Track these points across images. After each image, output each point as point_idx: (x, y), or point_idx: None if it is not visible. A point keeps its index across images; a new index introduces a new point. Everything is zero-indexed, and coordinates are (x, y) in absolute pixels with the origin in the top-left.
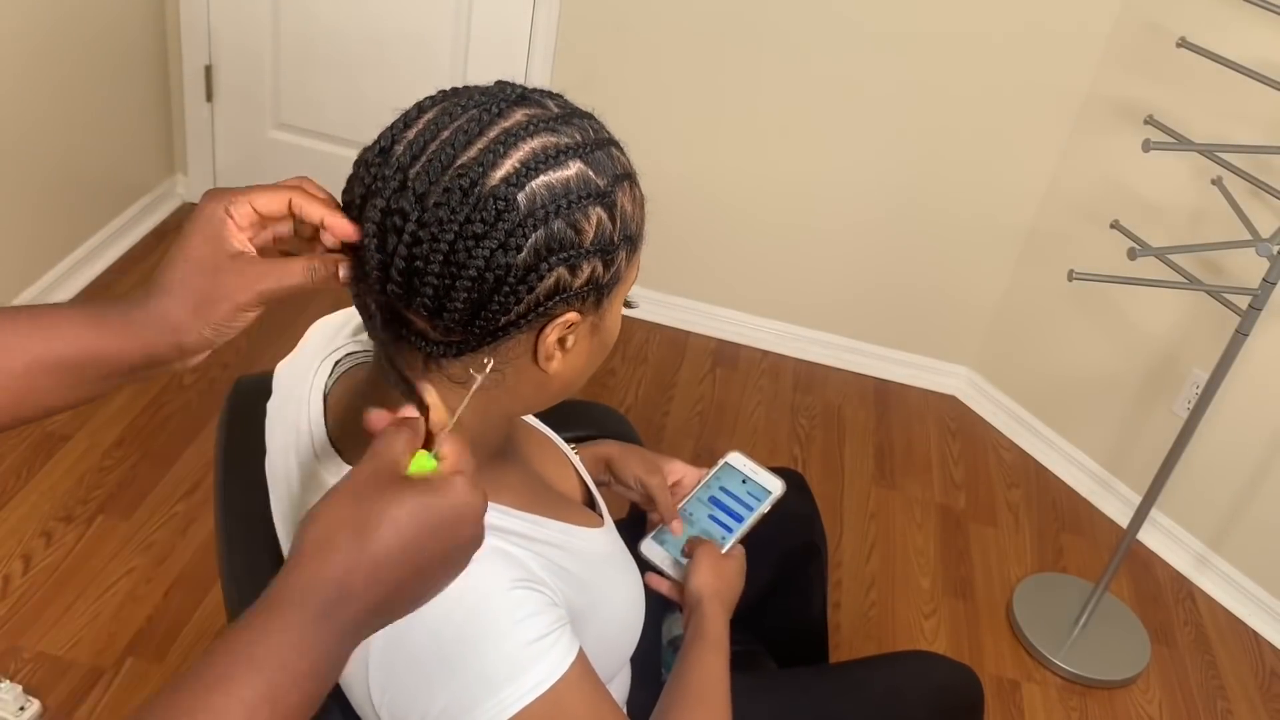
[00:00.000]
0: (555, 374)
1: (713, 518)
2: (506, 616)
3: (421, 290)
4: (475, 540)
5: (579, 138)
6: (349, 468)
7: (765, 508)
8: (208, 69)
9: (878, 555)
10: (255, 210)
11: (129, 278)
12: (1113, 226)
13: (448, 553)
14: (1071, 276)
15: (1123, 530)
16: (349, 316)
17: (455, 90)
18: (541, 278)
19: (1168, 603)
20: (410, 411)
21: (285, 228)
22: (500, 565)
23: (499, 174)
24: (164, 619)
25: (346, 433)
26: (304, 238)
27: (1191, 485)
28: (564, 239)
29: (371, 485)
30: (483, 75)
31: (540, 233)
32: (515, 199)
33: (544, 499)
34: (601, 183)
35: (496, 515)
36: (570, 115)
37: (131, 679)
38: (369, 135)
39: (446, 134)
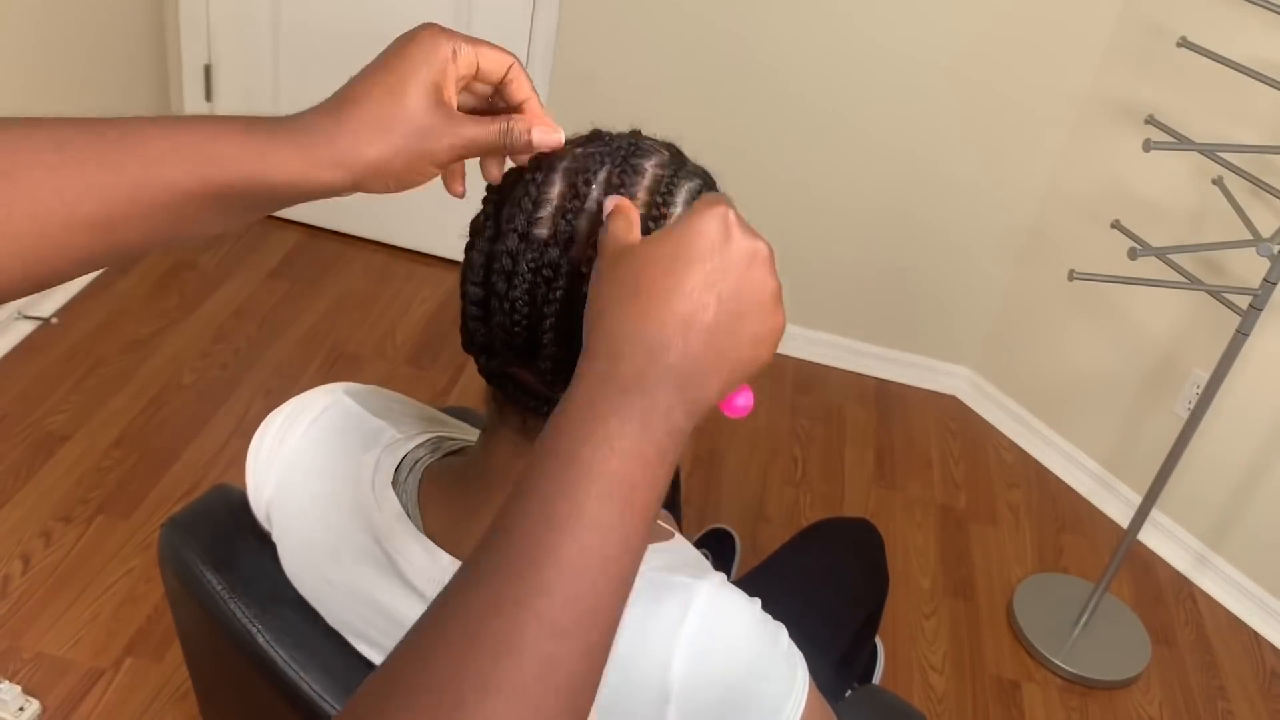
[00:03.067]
0: None
1: None
2: (768, 636)
3: None
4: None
5: (701, 171)
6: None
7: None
8: (207, 68)
9: None
10: (479, 65)
11: (129, 277)
12: (1113, 226)
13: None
14: (1072, 276)
15: (1123, 530)
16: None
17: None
18: None
19: (1168, 603)
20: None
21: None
22: (739, 594)
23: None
24: (163, 619)
25: (444, 527)
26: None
27: (1192, 485)
28: None
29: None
30: None
31: None
32: None
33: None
34: None
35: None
36: (678, 153)
37: (131, 679)
38: None
39: (590, 203)
